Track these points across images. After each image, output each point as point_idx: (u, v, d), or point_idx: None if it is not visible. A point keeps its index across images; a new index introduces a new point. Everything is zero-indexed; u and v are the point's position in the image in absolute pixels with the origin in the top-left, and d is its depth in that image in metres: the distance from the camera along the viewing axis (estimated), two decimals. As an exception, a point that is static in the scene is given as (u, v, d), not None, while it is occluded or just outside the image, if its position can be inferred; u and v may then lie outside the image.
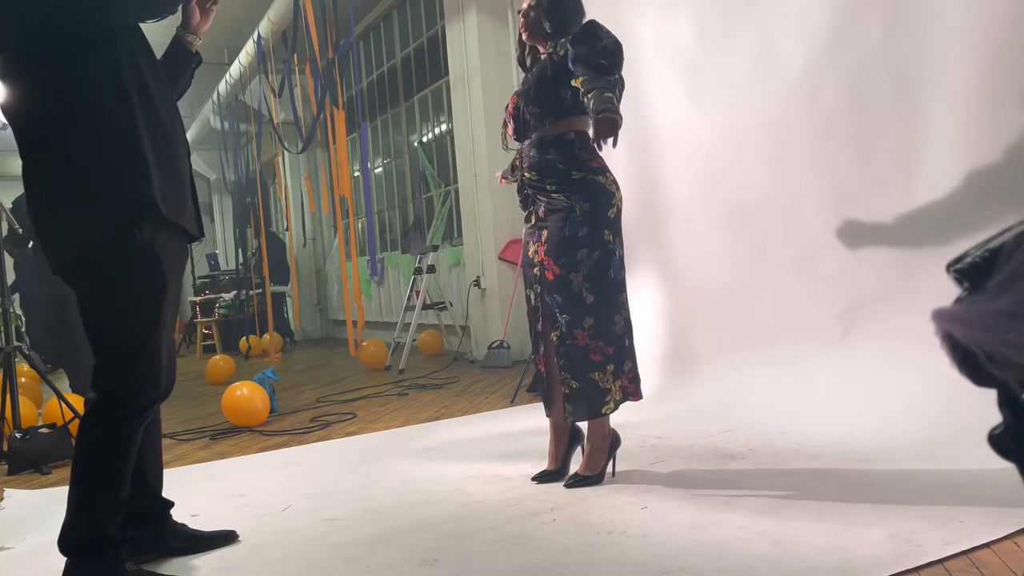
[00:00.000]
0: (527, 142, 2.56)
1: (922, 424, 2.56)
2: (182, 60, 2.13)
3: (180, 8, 2.05)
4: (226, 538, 2.18)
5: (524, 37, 2.59)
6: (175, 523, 2.18)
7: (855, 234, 3.03)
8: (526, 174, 2.55)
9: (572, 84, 2.34)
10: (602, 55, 2.31)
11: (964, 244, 1.09)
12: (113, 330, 1.86)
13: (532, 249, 2.56)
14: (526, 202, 2.61)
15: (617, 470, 2.55)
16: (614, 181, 2.50)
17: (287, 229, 9.22)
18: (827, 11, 3.06)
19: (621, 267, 2.51)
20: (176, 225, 1.92)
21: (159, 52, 2.03)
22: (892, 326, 2.82)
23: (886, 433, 2.63)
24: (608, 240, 2.46)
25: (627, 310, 2.53)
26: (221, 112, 9.41)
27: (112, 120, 1.81)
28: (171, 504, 2.17)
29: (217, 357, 6.63)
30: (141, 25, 1.93)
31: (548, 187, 2.48)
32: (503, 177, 2.91)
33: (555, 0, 2.49)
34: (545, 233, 2.49)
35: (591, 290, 2.43)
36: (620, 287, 2.50)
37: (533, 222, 2.57)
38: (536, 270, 2.53)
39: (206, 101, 10.45)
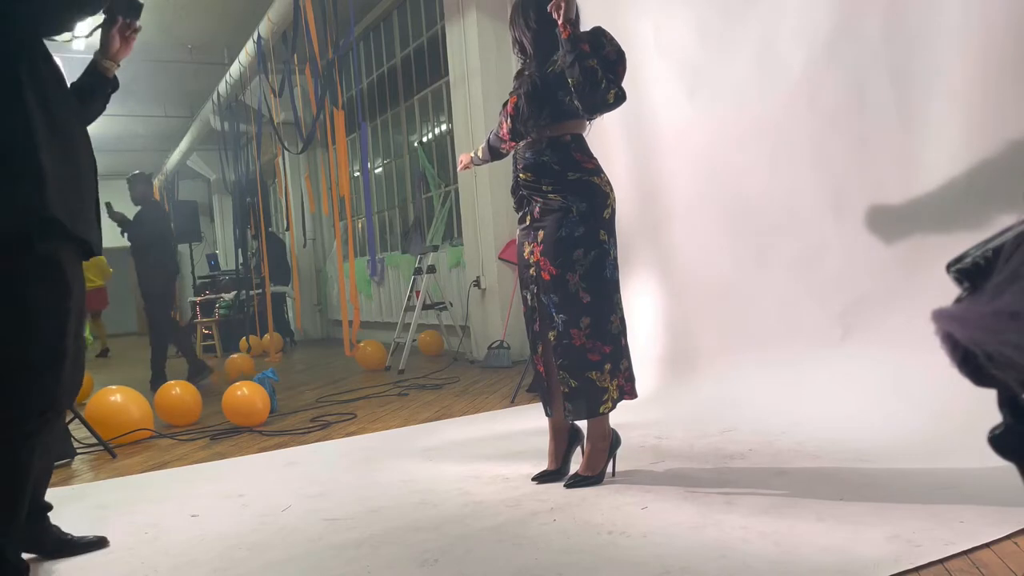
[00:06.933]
0: (522, 143, 2.56)
1: (922, 424, 2.57)
2: (97, 85, 2.12)
3: (100, 33, 2.05)
4: (96, 544, 2.18)
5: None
6: (48, 525, 2.15)
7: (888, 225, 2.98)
8: (521, 175, 2.55)
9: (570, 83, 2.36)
10: (603, 64, 2.33)
11: (964, 244, 1.09)
12: (15, 347, 1.80)
13: (528, 250, 2.56)
14: (521, 203, 2.61)
15: (617, 470, 2.55)
16: (608, 182, 2.51)
17: (287, 229, 9.23)
18: (827, 11, 3.06)
19: (615, 267, 2.52)
20: (77, 241, 1.90)
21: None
22: (892, 326, 2.82)
23: (886, 433, 2.63)
24: (603, 240, 2.46)
25: (621, 309, 2.53)
26: (221, 112, 9.41)
27: (8, 133, 1.77)
28: (49, 507, 2.15)
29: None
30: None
31: (544, 188, 2.49)
32: (467, 164, 2.97)
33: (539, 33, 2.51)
34: (541, 234, 2.49)
35: (587, 290, 2.44)
36: (615, 287, 2.51)
37: (528, 223, 2.57)
38: (532, 271, 2.53)
39: (206, 101, 10.46)
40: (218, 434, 3.96)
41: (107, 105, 2.18)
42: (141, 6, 2.08)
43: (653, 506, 2.21)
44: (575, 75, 2.31)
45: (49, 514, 2.19)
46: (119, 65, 2.14)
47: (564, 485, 2.49)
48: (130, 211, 6.23)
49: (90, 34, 2.12)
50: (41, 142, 1.79)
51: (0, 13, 1.77)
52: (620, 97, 2.36)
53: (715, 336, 3.63)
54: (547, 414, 2.62)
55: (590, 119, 2.50)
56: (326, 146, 7.74)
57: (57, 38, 1.93)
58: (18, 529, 1.86)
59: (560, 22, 2.33)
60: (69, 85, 2.04)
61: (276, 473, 3.04)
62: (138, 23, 2.10)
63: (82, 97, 2.08)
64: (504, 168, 2.93)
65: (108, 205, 5.96)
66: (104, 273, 11.03)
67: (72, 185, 1.87)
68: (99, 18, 2.05)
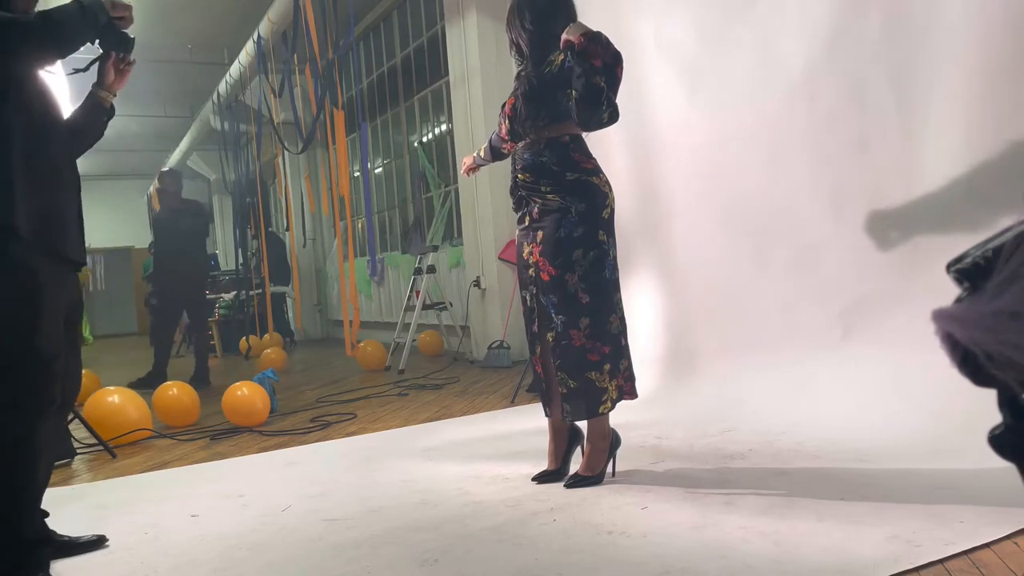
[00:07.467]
0: (521, 144, 2.56)
1: (922, 424, 2.57)
2: (94, 113, 2.27)
3: (97, 66, 2.22)
4: (95, 543, 2.23)
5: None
6: (48, 530, 2.19)
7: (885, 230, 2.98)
8: (520, 175, 2.54)
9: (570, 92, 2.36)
10: (601, 71, 2.33)
11: (964, 244, 1.09)
12: None
13: (527, 250, 2.56)
14: (520, 203, 2.60)
15: (617, 470, 2.55)
16: (607, 182, 2.51)
17: (287, 229, 9.22)
18: (827, 11, 3.06)
19: (615, 267, 2.51)
20: (54, 253, 2.03)
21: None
22: (892, 326, 2.82)
23: (886, 433, 2.63)
24: (602, 240, 2.46)
25: (621, 309, 2.53)
26: (221, 112, 9.41)
27: None
28: (45, 514, 2.18)
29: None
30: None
31: (543, 188, 2.48)
32: (471, 167, 2.97)
33: (536, 33, 2.51)
34: (540, 234, 2.49)
35: (587, 290, 2.44)
36: (614, 287, 2.51)
37: (527, 223, 2.56)
38: (531, 271, 2.53)
39: (206, 101, 10.46)
40: (218, 434, 3.96)
41: (104, 131, 2.32)
42: (132, 41, 2.20)
43: (653, 506, 2.21)
44: (579, 88, 2.32)
45: (49, 514, 2.20)
46: (115, 95, 2.29)
47: (564, 485, 2.49)
48: (142, 212, 6.26)
49: (87, 68, 2.25)
50: (17, 168, 1.92)
51: None
52: (614, 117, 2.37)
53: (715, 336, 3.62)
54: (546, 414, 2.62)
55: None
56: (326, 146, 7.74)
57: (51, 69, 2.12)
58: (28, 510, 1.97)
59: (577, 37, 2.34)
60: (73, 110, 2.22)
61: (276, 473, 3.04)
62: (132, 57, 2.24)
63: (80, 124, 2.23)
64: (504, 168, 2.93)
65: (160, 191, 6.10)
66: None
67: (51, 207, 2.01)
68: (96, 51, 2.19)
